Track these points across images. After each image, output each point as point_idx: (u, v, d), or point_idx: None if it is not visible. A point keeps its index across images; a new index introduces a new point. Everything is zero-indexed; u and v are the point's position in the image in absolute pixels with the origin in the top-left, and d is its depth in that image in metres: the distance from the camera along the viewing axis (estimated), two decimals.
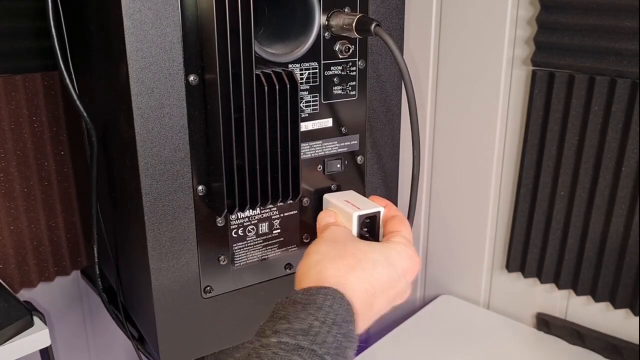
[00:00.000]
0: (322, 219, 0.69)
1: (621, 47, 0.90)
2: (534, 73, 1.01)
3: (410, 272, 0.62)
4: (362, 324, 0.56)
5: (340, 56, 0.77)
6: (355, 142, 0.82)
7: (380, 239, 0.69)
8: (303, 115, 0.76)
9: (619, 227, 0.97)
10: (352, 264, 0.58)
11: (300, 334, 0.49)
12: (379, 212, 0.69)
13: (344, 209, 0.71)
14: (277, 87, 0.69)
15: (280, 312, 0.51)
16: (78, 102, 0.79)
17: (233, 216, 0.76)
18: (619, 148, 0.94)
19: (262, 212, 0.78)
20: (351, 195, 0.78)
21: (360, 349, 1.27)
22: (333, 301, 0.52)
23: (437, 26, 1.15)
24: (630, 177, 0.94)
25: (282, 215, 0.80)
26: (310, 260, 0.59)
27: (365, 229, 0.70)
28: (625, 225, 0.96)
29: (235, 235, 0.77)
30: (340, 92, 0.79)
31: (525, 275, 1.11)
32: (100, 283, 0.98)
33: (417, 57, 1.20)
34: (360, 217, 0.68)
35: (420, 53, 1.19)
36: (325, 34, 0.75)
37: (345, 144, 0.81)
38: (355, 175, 0.84)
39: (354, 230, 0.68)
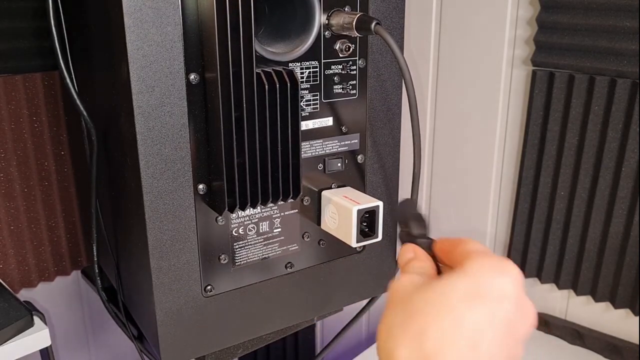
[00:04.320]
0: (400, 257, 0.49)
1: (621, 47, 0.90)
2: (534, 73, 1.01)
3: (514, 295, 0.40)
4: None
5: (341, 55, 0.77)
6: (356, 141, 0.82)
7: (379, 236, 0.69)
8: (303, 114, 0.77)
9: (619, 227, 0.97)
10: (424, 327, 0.39)
11: None
12: (377, 207, 0.69)
13: (343, 204, 0.71)
14: (277, 85, 0.69)
15: None
16: (78, 102, 0.79)
17: (233, 215, 0.76)
18: (619, 148, 0.94)
19: (263, 210, 0.78)
20: (349, 191, 0.79)
21: (360, 350, 1.27)
22: None
23: (437, 25, 1.15)
24: (630, 177, 0.94)
25: (282, 214, 0.80)
26: (379, 335, 0.42)
27: (365, 224, 0.70)
28: (625, 225, 0.96)
29: (236, 234, 0.77)
30: (340, 91, 0.79)
31: (526, 275, 1.11)
32: (99, 282, 0.98)
33: (417, 56, 1.20)
34: (359, 211, 0.69)
35: (420, 52, 1.19)
36: (326, 33, 0.75)
37: (346, 142, 0.81)
38: (356, 174, 0.84)
39: (354, 225, 0.68)
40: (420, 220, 0.53)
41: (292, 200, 0.77)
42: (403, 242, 0.49)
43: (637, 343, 1.00)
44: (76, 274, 1.22)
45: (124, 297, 0.93)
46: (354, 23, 0.71)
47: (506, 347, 0.39)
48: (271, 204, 0.77)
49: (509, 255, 1.12)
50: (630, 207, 0.95)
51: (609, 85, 0.93)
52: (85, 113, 0.80)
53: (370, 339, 1.42)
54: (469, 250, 0.43)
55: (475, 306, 0.39)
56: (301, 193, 0.75)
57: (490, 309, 0.39)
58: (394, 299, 0.43)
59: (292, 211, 0.80)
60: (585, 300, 1.06)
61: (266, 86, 0.68)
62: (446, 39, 1.15)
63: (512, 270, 0.41)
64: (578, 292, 1.05)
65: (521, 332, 0.41)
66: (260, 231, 0.79)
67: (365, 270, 0.90)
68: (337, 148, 0.81)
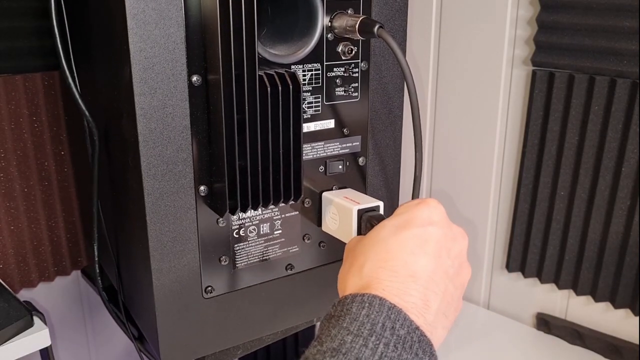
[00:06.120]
0: None
1: (621, 47, 0.90)
2: (534, 73, 1.01)
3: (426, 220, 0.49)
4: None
5: (343, 57, 0.77)
6: (357, 143, 0.82)
7: None
8: (305, 117, 0.76)
9: (619, 227, 0.97)
10: (364, 260, 0.50)
11: (329, 355, 0.43)
12: (378, 207, 0.69)
13: (343, 204, 0.71)
14: (279, 88, 0.68)
15: (317, 333, 0.46)
16: (80, 102, 0.79)
17: (234, 217, 0.76)
18: (619, 148, 0.94)
19: (264, 212, 0.78)
20: (349, 192, 0.79)
21: None
22: (369, 309, 0.45)
23: (437, 26, 1.15)
24: (630, 177, 0.94)
25: (283, 215, 0.80)
26: (338, 285, 0.53)
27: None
28: (625, 225, 0.97)
29: (237, 236, 0.77)
30: (342, 93, 0.79)
31: (525, 275, 1.12)
32: (100, 282, 0.98)
33: (418, 58, 1.20)
34: (360, 211, 0.69)
35: (421, 54, 1.19)
36: (328, 36, 0.75)
37: (347, 145, 0.81)
38: (357, 177, 0.84)
39: (354, 225, 0.68)
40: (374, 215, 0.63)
41: (293, 202, 0.77)
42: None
43: (637, 343, 1.01)
44: (76, 274, 1.22)
45: (124, 298, 0.93)
46: (356, 26, 0.71)
47: (441, 263, 0.47)
48: (272, 206, 0.77)
49: (508, 255, 1.13)
50: (630, 207, 0.95)
51: (609, 85, 0.93)
52: (87, 113, 0.79)
53: None
54: (401, 204, 0.53)
55: (402, 234, 0.47)
56: (302, 195, 0.75)
57: (416, 234, 0.47)
58: (344, 256, 0.53)
59: (293, 213, 0.80)
60: (585, 300, 1.07)
61: (268, 88, 0.68)
62: (446, 39, 1.15)
63: (431, 202, 0.50)
64: (578, 292, 1.05)
65: (454, 250, 0.49)
66: (261, 233, 0.79)
67: None
68: (338, 150, 0.81)
